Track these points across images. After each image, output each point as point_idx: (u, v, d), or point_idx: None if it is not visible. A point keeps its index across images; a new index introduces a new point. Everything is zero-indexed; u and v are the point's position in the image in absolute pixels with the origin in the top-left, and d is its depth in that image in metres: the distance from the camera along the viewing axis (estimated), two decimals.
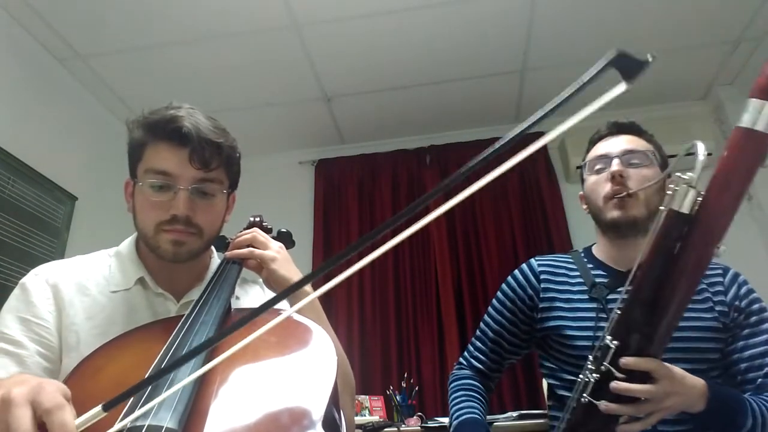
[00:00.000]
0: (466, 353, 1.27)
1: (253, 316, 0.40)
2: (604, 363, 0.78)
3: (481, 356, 1.23)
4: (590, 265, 1.15)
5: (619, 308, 0.79)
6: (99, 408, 0.44)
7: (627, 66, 0.31)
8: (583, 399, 0.80)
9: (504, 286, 1.24)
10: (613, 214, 1.06)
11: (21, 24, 2.32)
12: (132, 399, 0.56)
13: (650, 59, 0.31)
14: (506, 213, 2.97)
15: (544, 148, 3.03)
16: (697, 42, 2.61)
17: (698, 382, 0.87)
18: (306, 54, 2.57)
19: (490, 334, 1.22)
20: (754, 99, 0.60)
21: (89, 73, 2.63)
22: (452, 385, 1.22)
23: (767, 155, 0.62)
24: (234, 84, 2.77)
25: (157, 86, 2.73)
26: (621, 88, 0.32)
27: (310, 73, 2.71)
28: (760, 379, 0.98)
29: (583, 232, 2.78)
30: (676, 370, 0.84)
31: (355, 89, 2.86)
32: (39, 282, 0.86)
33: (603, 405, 0.78)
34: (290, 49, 2.53)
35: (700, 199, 0.70)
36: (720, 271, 1.11)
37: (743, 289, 1.07)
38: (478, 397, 1.17)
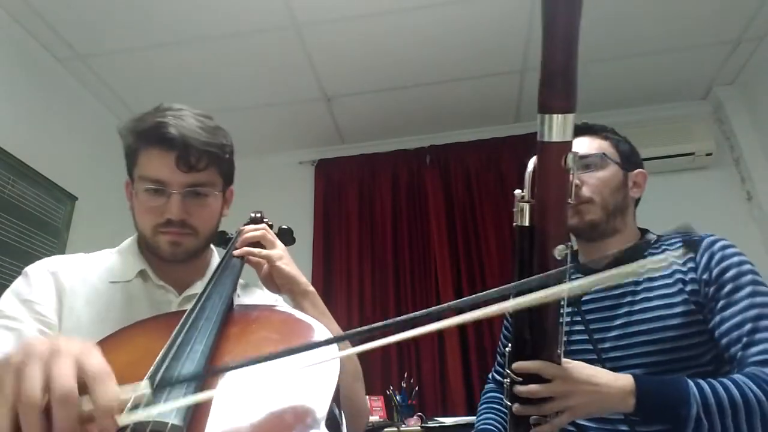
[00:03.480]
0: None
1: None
2: (506, 369, 0.83)
3: (498, 368, 1.28)
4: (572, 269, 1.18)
5: (511, 315, 0.83)
6: (145, 381, 0.47)
7: None
8: (506, 403, 0.86)
9: None
10: (572, 221, 1.07)
11: (21, 24, 2.32)
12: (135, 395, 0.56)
13: None
14: (506, 213, 2.96)
15: None
16: (697, 42, 2.60)
17: (621, 380, 0.83)
18: (306, 54, 2.57)
19: (501, 348, 1.27)
20: (539, 114, 0.64)
21: (89, 73, 2.63)
22: (480, 399, 1.27)
23: (566, 159, 0.66)
24: (234, 84, 2.77)
25: (157, 86, 2.73)
26: None
27: (310, 73, 2.71)
28: (739, 353, 0.88)
29: None
30: (580, 370, 0.82)
31: (355, 89, 2.86)
32: (40, 269, 0.89)
33: (514, 407, 0.83)
34: (290, 49, 2.53)
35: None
36: None
37: (716, 257, 0.97)
38: (498, 407, 1.20)
